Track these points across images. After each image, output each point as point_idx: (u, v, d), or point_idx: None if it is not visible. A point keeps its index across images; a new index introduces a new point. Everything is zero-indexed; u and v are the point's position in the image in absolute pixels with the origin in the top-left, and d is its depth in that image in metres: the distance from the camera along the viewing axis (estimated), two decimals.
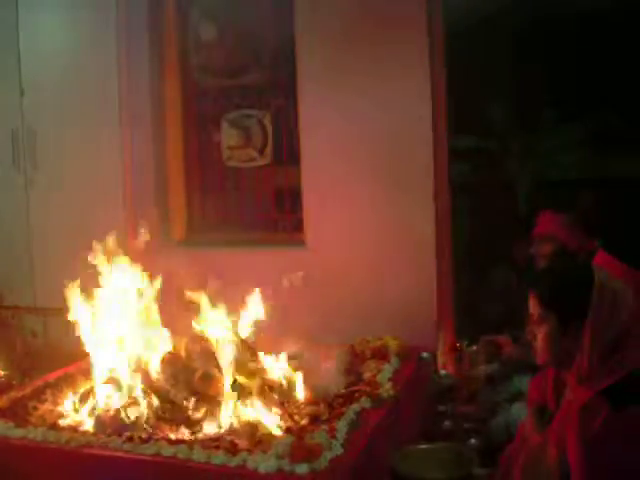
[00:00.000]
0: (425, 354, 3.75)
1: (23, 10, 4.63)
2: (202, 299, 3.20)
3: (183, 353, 3.09)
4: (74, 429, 2.79)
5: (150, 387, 2.92)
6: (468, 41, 4.76)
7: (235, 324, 3.23)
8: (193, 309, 3.25)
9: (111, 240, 3.18)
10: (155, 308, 3.21)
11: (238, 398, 2.85)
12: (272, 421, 2.81)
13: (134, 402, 2.88)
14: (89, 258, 3.13)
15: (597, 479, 1.78)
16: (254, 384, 2.94)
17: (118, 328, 3.11)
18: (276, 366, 3.11)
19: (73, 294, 3.07)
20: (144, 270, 3.23)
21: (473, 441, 3.16)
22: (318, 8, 4.05)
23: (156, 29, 4.49)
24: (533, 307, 2.01)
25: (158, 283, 3.21)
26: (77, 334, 3.07)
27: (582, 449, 1.78)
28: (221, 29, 4.48)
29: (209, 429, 2.79)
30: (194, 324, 3.22)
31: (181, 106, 4.65)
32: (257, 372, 3.03)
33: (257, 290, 3.26)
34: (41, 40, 4.62)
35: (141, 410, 2.85)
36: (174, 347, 3.14)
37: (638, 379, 1.83)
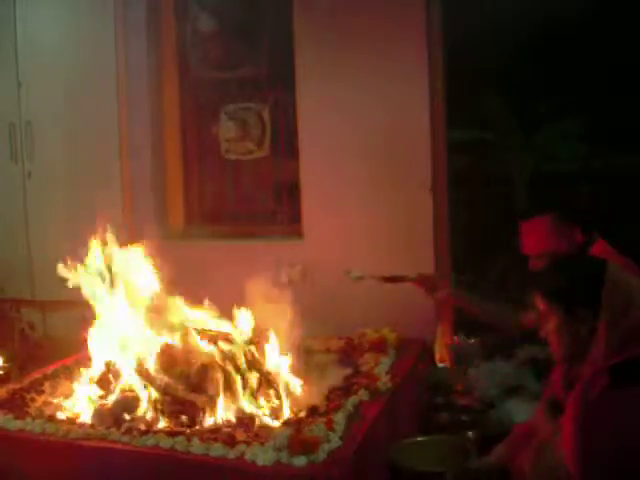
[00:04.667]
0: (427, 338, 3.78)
1: (20, 1, 4.60)
2: (199, 292, 3.20)
3: (181, 345, 3.08)
4: (72, 421, 2.79)
5: (148, 379, 2.92)
6: (467, 36, 4.76)
7: (233, 316, 3.23)
8: (191, 301, 3.25)
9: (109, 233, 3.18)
10: (154, 300, 3.21)
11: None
12: (270, 413, 2.81)
13: (132, 394, 2.88)
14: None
15: (587, 444, 1.80)
16: (252, 376, 2.94)
17: (118, 321, 3.11)
18: (274, 358, 3.11)
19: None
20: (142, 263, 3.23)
21: (470, 433, 3.16)
22: (317, 1, 4.04)
23: (155, 21, 4.48)
24: (538, 303, 2.02)
25: (157, 275, 3.21)
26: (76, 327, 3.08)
27: (577, 414, 1.81)
28: (220, 22, 4.47)
29: (207, 421, 2.79)
30: (192, 316, 3.22)
31: (179, 98, 4.64)
32: (255, 364, 3.03)
33: (255, 282, 3.25)
34: (38, 32, 4.59)
35: (139, 402, 2.85)
36: (172, 339, 3.13)
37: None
